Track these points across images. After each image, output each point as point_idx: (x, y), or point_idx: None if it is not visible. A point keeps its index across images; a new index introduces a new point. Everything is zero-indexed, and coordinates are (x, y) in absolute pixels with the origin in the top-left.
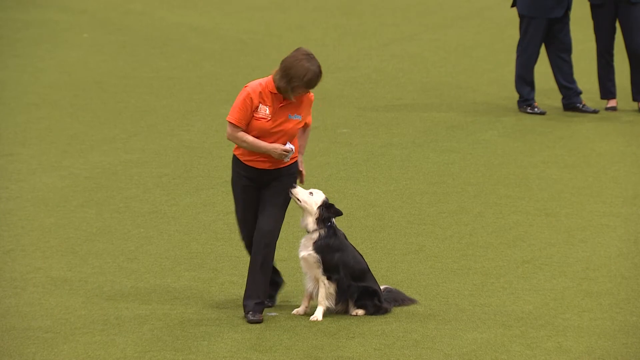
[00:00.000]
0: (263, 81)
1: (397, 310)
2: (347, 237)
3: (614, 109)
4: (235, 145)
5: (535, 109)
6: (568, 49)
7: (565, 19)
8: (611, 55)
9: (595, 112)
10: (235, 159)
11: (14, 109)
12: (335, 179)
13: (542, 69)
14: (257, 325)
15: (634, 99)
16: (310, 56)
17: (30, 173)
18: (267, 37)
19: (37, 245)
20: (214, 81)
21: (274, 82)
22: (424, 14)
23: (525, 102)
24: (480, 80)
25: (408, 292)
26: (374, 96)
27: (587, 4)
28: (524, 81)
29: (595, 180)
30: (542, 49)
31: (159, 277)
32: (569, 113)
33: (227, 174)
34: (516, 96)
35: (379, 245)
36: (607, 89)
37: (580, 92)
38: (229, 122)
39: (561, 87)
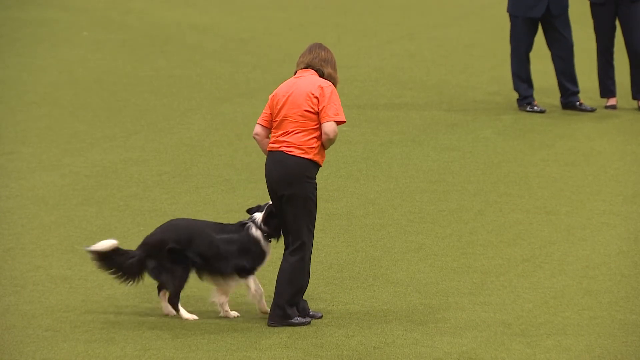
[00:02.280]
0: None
1: (397, 308)
2: (347, 235)
3: (613, 107)
4: (313, 153)
5: (535, 107)
6: (565, 48)
7: (552, 19)
8: (611, 53)
9: (592, 110)
10: (314, 167)
11: (14, 107)
12: (335, 177)
13: (541, 68)
14: (257, 324)
15: (634, 98)
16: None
17: (30, 171)
18: (267, 36)
19: (37, 244)
20: (214, 79)
21: (332, 76)
22: (424, 13)
23: (525, 100)
24: (480, 79)
25: (408, 290)
26: (374, 94)
27: (587, 3)
28: (520, 79)
29: (595, 178)
30: (540, 48)
31: None
32: (569, 111)
33: (227, 172)
34: (516, 95)
35: (379, 243)
36: (607, 88)
37: (578, 92)
38: (344, 121)
39: (560, 86)
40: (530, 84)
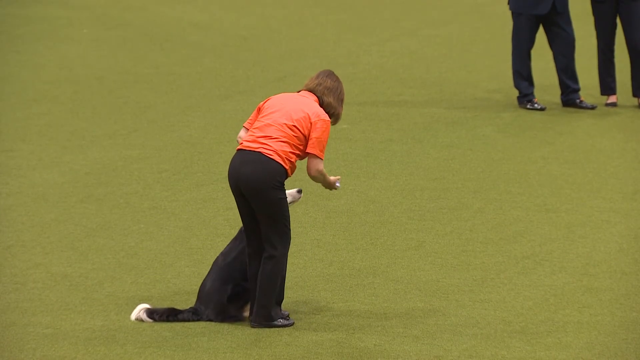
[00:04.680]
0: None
1: (397, 306)
2: (347, 233)
3: (614, 104)
4: (289, 165)
5: (535, 105)
6: (567, 44)
7: (555, 16)
8: (612, 51)
9: (593, 108)
10: (285, 175)
11: (14, 104)
12: (335, 175)
13: (541, 65)
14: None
15: (634, 95)
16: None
17: (30, 169)
18: (267, 33)
19: (37, 241)
20: (214, 77)
21: (332, 106)
22: (424, 10)
23: (525, 97)
24: (481, 76)
25: (408, 288)
26: (374, 92)
27: (588, 0)
28: (521, 76)
29: (596, 176)
30: (541, 45)
31: (159, 272)
32: (569, 109)
33: (227, 169)
34: (516, 92)
35: (379, 241)
36: (608, 85)
37: (579, 89)
38: (321, 158)
39: (561, 84)
40: (531, 82)
